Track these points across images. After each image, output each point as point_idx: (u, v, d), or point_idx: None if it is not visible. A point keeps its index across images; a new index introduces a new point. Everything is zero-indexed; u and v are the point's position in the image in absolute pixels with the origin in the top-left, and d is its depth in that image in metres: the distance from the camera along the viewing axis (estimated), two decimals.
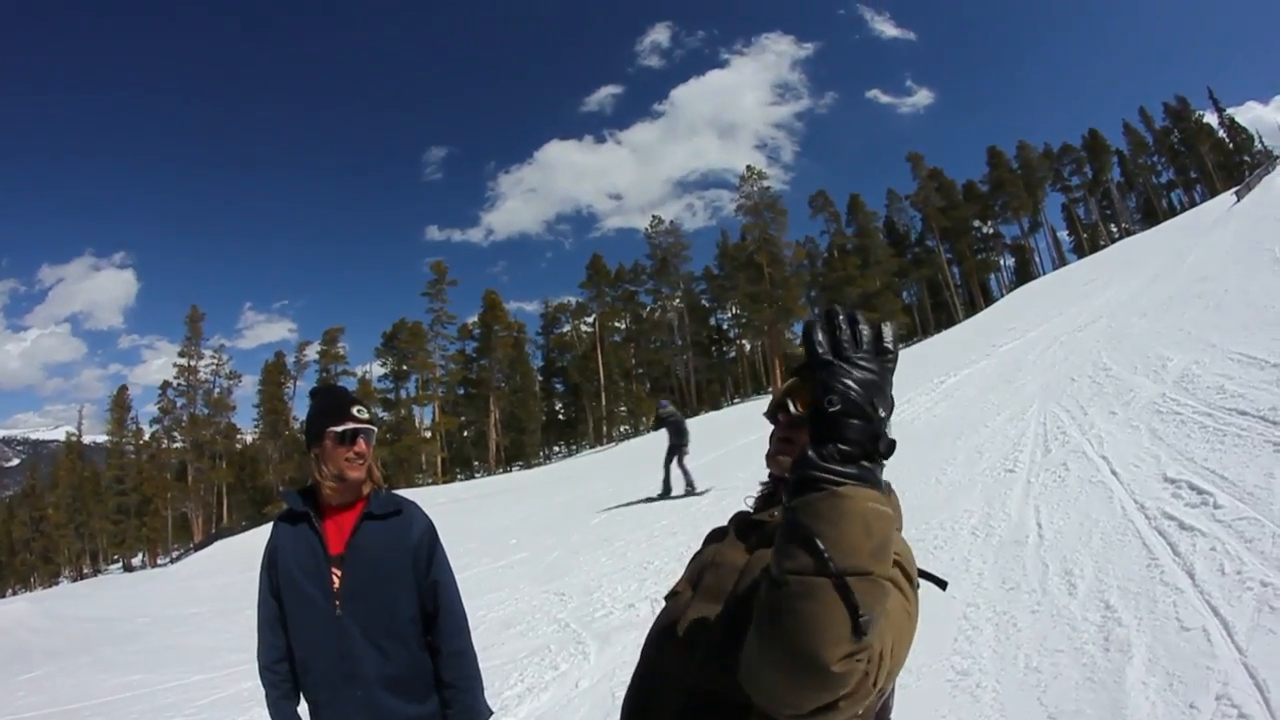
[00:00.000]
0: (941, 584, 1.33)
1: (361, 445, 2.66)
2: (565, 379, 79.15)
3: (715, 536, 1.56)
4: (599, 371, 73.95)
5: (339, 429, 2.65)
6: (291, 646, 2.68)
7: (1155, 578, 4.21)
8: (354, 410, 2.70)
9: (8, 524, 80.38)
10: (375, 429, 2.75)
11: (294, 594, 2.63)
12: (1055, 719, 3.22)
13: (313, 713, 2.66)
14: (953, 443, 9.71)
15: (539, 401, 77.12)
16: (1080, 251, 74.79)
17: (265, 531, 2.86)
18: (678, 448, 14.37)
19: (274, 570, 2.72)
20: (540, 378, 79.91)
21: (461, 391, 75.48)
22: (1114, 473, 6.34)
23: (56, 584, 66.28)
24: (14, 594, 62.02)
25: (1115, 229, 78.73)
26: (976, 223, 79.41)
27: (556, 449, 77.91)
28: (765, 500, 1.53)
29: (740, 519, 1.50)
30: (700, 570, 1.45)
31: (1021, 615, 4.34)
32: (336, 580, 2.59)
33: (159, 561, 63.46)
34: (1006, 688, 3.60)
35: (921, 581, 1.30)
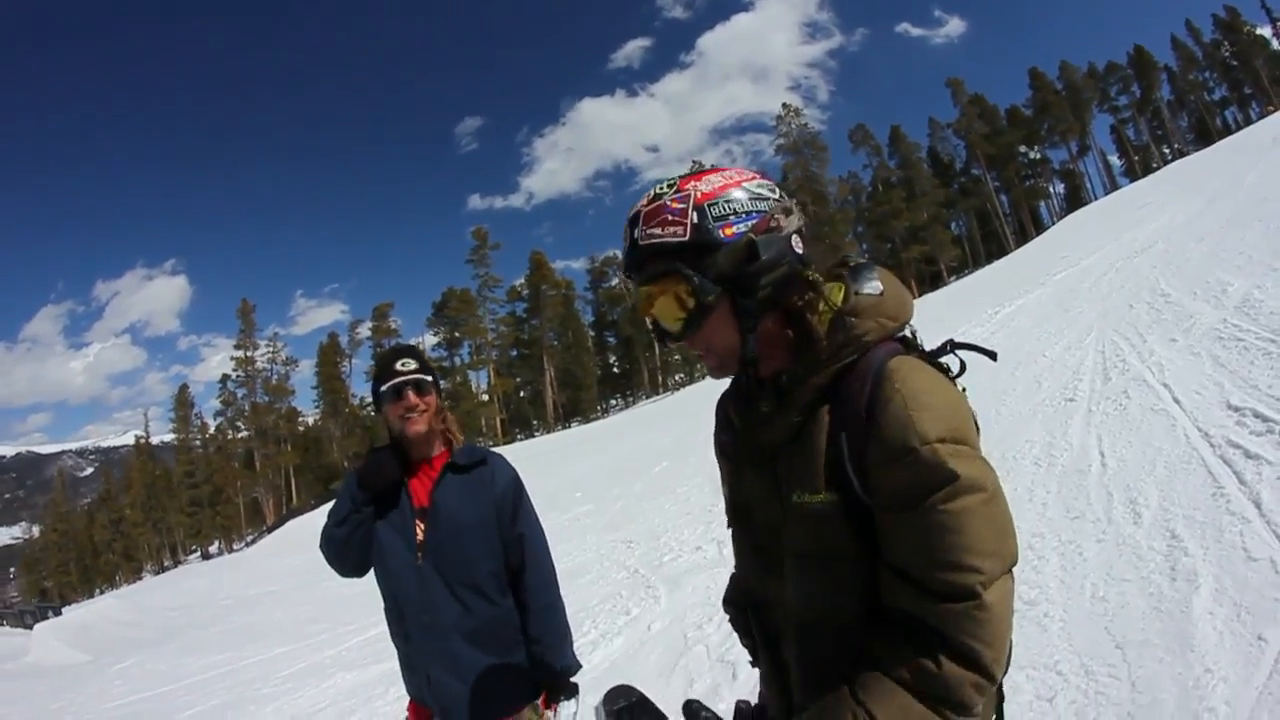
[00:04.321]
0: (991, 355, 1.34)
1: (411, 398, 2.65)
2: (617, 332, 79.74)
3: (727, 450, 1.51)
4: None
5: (385, 387, 2.67)
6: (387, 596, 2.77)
7: (1221, 507, 4.20)
8: (397, 365, 2.70)
9: (89, 529, 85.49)
10: (430, 378, 2.72)
11: (382, 546, 2.70)
12: (1123, 648, 3.26)
13: (401, 661, 2.77)
14: (1010, 373, 9.62)
15: (592, 356, 77.87)
16: (1132, 175, 72.48)
17: None
18: None
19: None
20: (592, 333, 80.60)
21: (515, 353, 76.82)
22: (1176, 400, 6.27)
23: (140, 579, 69.52)
24: (101, 593, 65.00)
25: (1168, 150, 76.09)
26: (1022, 148, 77.30)
27: (613, 402, 78.76)
28: (743, 397, 1.43)
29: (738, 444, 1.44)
30: (748, 508, 1.42)
31: (1087, 544, 4.37)
32: (420, 533, 2.66)
33: (235, 547, 66.24)
34: (1073, 617, 3.66)
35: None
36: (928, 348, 1.31)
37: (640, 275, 1.30)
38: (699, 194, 1.24)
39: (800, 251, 1.27)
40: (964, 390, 1.27)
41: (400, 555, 2.66)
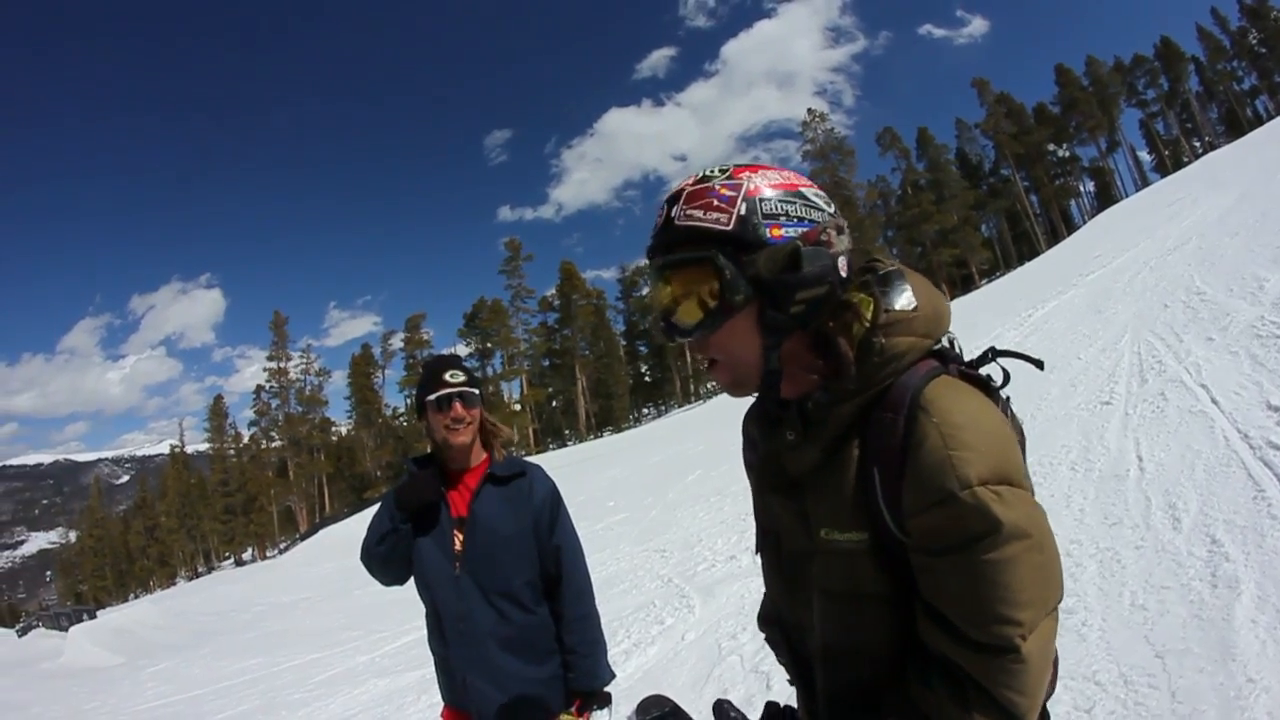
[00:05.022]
0: (1038, 364, 1.29)
1: (458, 409, 2.69)
2: (649, 341, 79.88)
3: (762, 474, 1.36)
4: None
5: (432, 397, 2.70)
6: (427, 603, 2.81)
7: (1262, 510, 4.14)
8: (446, 376, 2.73)
9: (124, 535, 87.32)
10: (476, 391, 2.75)
11: (420, 555, 2.74)
12: (1163, 657, 3.21)
13: (438, 665, 2.80)
14: (1045, 376, 9.51)
15: (624, 365, 78.23)
16: (1163, 170, 71.47)
17: (368, 517, 2.95)
18: None
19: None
20: (624, 342, 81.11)
21: (546, 363, 77.37)
22: (1214, 401, 6.19)
23: (174, 584, 70.88)
24: (135, 598, 66.12)
25: (1198, 143, 74.98)
26: (1051, 146, 76.65)
27: (646, 411, 79.16)
28: (766, 419, 1.32)
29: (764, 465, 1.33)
30: (775, 534, 1.34)
31: (1126, 551, 4.32)
32: (458, 543, 2.69)
33: (268, 554, 67.07)
34: (1112, 625, 3.61)
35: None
36: (967, 356, 1.23)
37: (665, 257, 1.20)
38: (752, 186, 1.15)
39: (845, 275, 1.18)
40: (1007, 400, 1.20)
41: (438, 565, 2.70)
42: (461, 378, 2.73)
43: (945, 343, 1.22)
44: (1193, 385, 6.80)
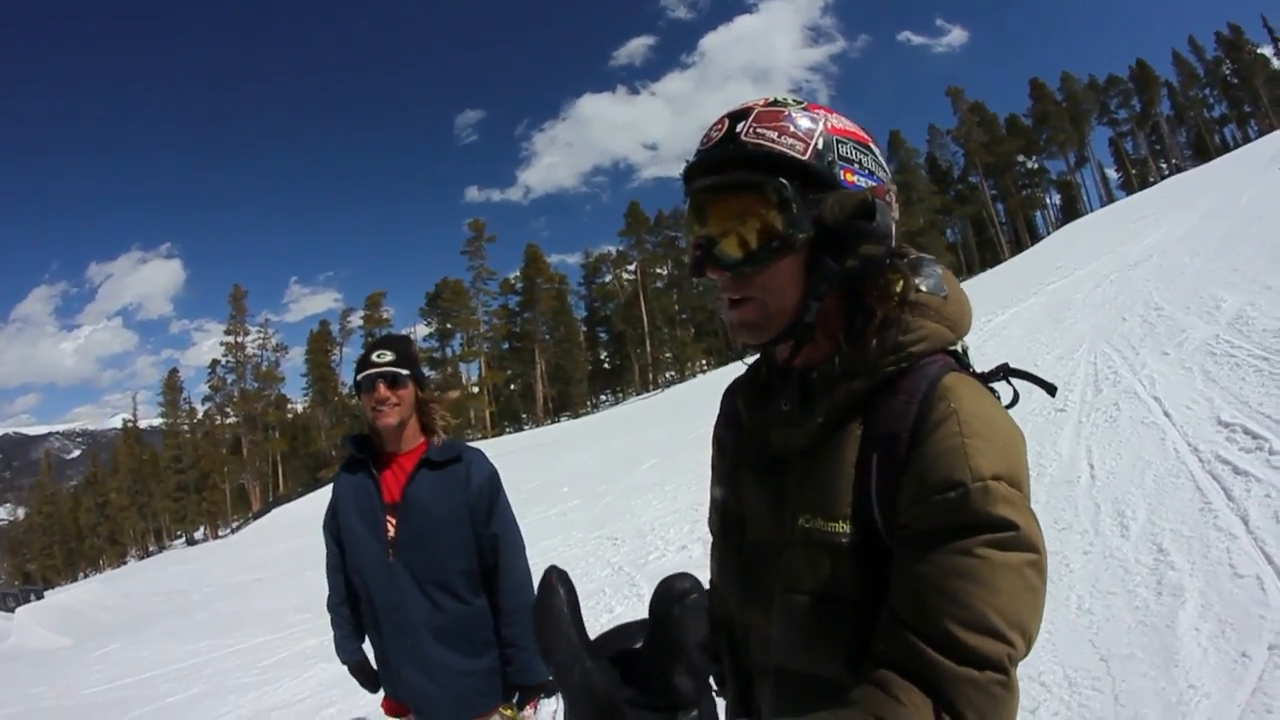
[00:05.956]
0: (1051, 389, 1.16)
1: (381, 390, 2.59)
2: (609, 328, 79.86)
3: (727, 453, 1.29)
4: (642, 319, 74.20)
5: (359, 377, 2.63)
6: (356, 591, 2.74)
7: (1209, 522, 4.20)
8: (373, 356, 2.65)
9: (74, 512, 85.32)
10: (406, 371, 2.64)
11: (353, 540, 2.66)
12: (1107, 661, 3.25)
13: (376, 656, 2.74)
14: (1001, 382, 9.59)
15: (584, 352, 78.16)
16: (1129, 188, 72.92)
17: (323, 495, 2.90)
18: None
19: (336, 517, 2.77)
20: (584, 328, 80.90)
21: (506, 346, 76.72)
22: (1166, 414, 6.29)
23: (124, 563, 69.43)
24: (85, 577, 64.79)
25: (1165, 165, 76.36)
26: (1021, 158, 77.71)
27: (603, 398, 78.83)
28: (758, 390, 1.22)
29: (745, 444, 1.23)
30: (740, 521, 1.21)
31: (1074, 556, 4.37)
32: (391, 528, 2.61)
33: (220, 533, 66.13)
34: (1059, 628, 3.65)
35: None
36: (978, 370, 1.12)
37: (722, 177, 1.04)
38: (832, 124, 1.04)
39: (894, 245, 1.07)
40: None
41: (371, 551, 2.62)
42: (389, 357, 2.64)
43: (959, 349, 1.12)
44: (1146, 397, 6.91)
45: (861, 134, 1.07)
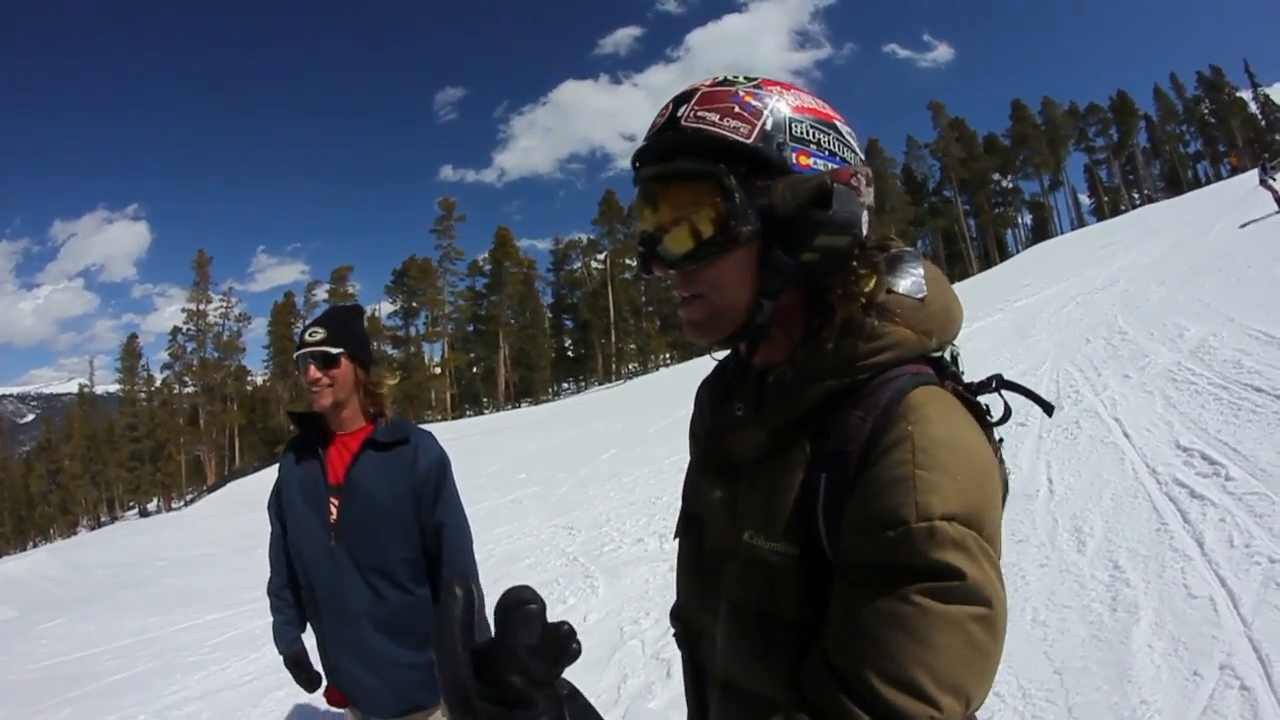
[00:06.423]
0: (1048, 407, 1.05)
1: (312, 371, 2.50)
2: (575, 316, 79.63)
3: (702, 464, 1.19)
4: (609, 309, 74.05)
5: (294, 355, 2.54)
6: (297, 574, 2.64)
7: (1165, 543, 4.23)
8: (307, 334, 2.55)
9: (25, 478, 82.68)
10: (335, 350, 2.52)
11: (295, 522, 2.57)
12: (1061, 674, 3.26)
13: (317, 644, 2.66)
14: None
15: (548, 338, 77.79)
16: (1100, 214, 74.21)
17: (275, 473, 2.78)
18: None
19: (280, 496, 2.68)
20: (550, 314, 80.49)
21: (471, 328, 76.16)
22: (1126, 435, 6.35)
23: (75, 534, 67.51)
24: (34, 546, 63.26)
25: (1137, 195, 77.60)
26: (996, 176, 78.94)
27: (566, 385, 78.70)
28: (722, 389, 1.16)
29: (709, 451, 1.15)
30: (700, 523, 1.14)
31: (1030, 568, 4.38)
32: (334, 511, 2.51)
33: (174, 505, 64.50)
34: (1013, 640, 3.62)
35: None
36: (967, 380, 1.03)
37: (661, 166, 0.97)
38: (789, 101, 0.95)
39: (865, 234, 0.99)
40: (1000, 441, 1.00)
41: (313, 534, 2.53)
42: (319, 335, 2.52)
43: (947, 356, 1.03)
44: (1106, 417, 6.97)
45: (825, 110, 0.99)
